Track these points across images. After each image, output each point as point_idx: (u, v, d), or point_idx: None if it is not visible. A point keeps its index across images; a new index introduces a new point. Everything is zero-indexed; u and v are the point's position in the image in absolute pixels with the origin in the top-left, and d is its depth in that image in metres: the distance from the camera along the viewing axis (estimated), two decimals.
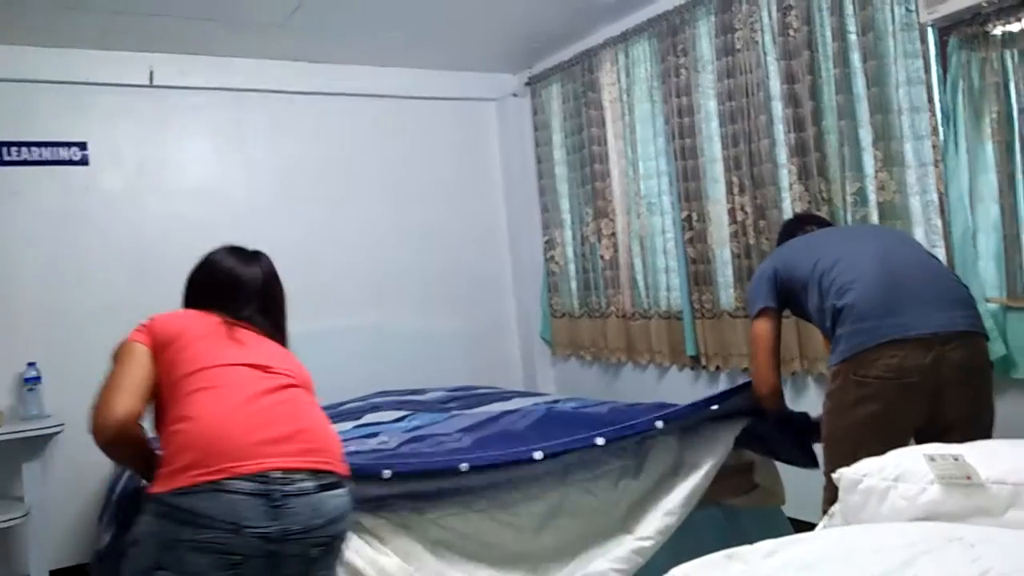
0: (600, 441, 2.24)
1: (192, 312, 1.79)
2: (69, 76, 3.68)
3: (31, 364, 3.43)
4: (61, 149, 3.71)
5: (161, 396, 1.61)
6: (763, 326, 2.33)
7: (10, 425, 3.25)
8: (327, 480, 1.52)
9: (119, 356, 1.66)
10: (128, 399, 1.56)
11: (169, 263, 3.71)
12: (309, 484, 1.48)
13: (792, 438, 2.52)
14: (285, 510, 1.43)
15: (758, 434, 2.53)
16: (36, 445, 3.33)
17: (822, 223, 2.60)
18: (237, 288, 1.81)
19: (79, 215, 3.71)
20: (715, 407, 2.45)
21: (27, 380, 3.40)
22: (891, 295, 2.08)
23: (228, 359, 1.62)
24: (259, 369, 1.62)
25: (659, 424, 2.35)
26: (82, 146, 3.74)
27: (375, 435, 2.76)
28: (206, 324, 1.70)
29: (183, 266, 1.94)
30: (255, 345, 1.71)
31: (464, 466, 2.08)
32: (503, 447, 2.29)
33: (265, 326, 1.79)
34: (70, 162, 3.72)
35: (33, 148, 3.65)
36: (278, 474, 1.44)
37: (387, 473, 1.98)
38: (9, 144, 3.60)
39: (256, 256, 1.92)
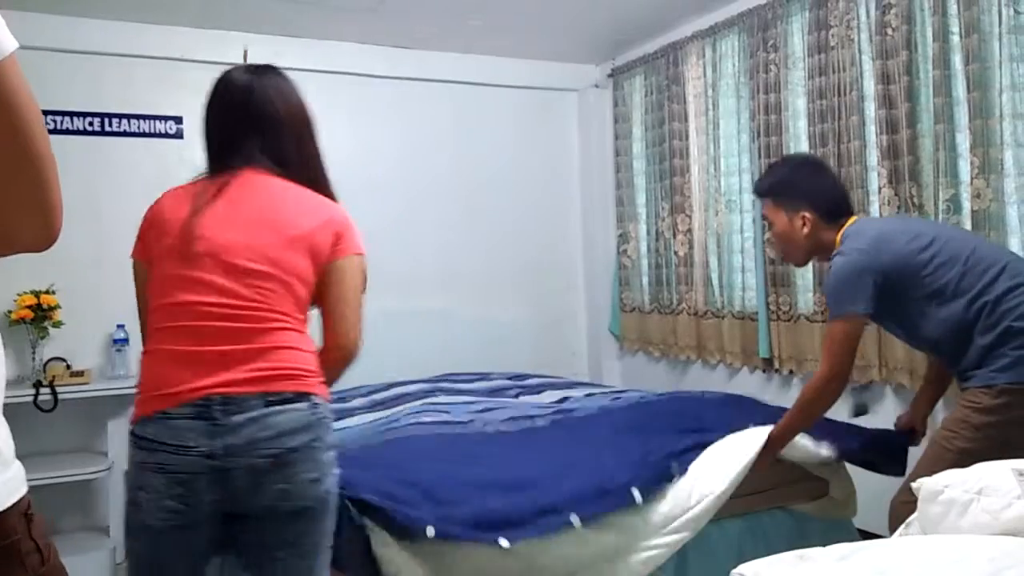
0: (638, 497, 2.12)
1: (163, 208, 1.78)
2: (168, 52, 3.82)
3: (120, 326, 3.58)
4: (158, 122, 3.86)
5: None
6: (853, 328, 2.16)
7: (98, 383, 3.41)
8: (276, 398, 1.54)
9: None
10: None
11: None
12: (254, 403, 1.52)
13: (890, 444, 2.44)
14: (227, 429, 1.50)
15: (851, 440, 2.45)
16: (121, 403, 3.48)
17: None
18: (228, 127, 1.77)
19: (172, 186, 3.84)
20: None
21: (116, 341, 3.55)
22: None
23: (181, 293, 1.58)
24: (217, 292, 1.57)
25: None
26: (178, 120, 3.88)
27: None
28: (169, 231, 1.68)
29: None
30: (220, 244, 1.61)
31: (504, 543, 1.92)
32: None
33: (263, 167, 1.74)
34: (166, 135, 3.87)
35: (132, 120, 3.81)
36: (218, 399, 1.50)
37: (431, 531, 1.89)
38: (111, 115, 3.77)
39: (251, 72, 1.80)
